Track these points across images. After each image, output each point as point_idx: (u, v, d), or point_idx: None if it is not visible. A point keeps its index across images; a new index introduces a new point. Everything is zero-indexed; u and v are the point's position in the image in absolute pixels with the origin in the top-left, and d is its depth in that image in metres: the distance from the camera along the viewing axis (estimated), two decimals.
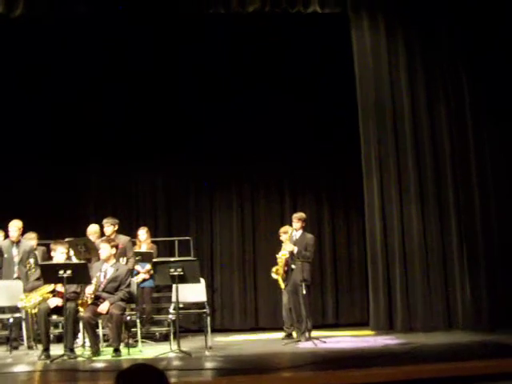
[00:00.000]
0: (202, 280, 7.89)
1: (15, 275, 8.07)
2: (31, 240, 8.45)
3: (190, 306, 8.19)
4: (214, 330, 8.81)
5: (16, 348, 7.63)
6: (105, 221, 8.42)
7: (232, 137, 10.27)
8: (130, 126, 10.22)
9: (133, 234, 8.89)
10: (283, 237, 8.48)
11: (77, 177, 10.38)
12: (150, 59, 10.15)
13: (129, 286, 7.41)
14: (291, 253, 8.18)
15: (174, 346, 7.16)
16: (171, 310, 7.73)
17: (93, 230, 8.55)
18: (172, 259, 7.79)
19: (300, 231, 8.34)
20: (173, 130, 10.25)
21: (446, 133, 9.13)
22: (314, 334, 8.14)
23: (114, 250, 7.55)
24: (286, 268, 8.29)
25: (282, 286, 8.45)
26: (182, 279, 7.05)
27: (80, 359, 6.83)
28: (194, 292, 7.85)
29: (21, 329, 7.56)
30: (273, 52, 10.10)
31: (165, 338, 8.48)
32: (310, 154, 10.33)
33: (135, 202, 10.63)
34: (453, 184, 9.06)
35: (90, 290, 7.16)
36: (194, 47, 10.04)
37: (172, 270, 6.99)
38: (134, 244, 8.77)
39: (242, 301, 10.30)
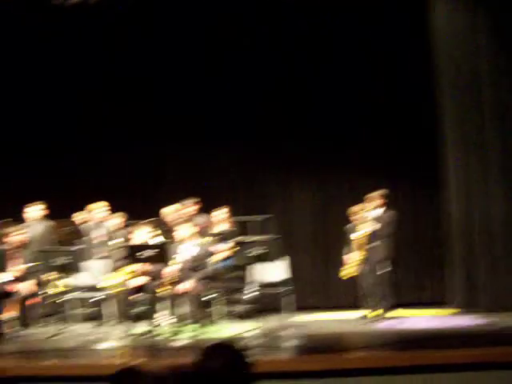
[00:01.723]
0: (285, 258, 7.91)
1: (99, 255, 8.31)
2: (116, 220, 8.64)
3: (268, 284, 8.23)
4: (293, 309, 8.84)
5: (100, 326, 7.88)
6: (186, 201, 8.53)
7: (308, 115, 10.21)
8: (206, 103, 10.28)
9: (209, 213, 8.95)
10: (357, 216, 8.40)
11: (154, 156, 10.53)
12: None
13: (208, 265, 7.52)
14: (371, 231, 8.10)
15: (253, 325, 7.23)
16: (250, 289, 7.79)
17: (171, 210, 8.67)
18: (255, 238, 7.83)
19: (381, 208, 8.24)
20: (250, 107, 10.24)
21: None
22: (393, 313, 8.07)
23: (195, 230, 7.65)
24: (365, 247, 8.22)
25: (347, 275, 8.41)
26: (265, 258, 7.08)
27: (160, 337, 7.00)
28: (273, 270, 7.88)
29: (105, 307, 7.80)
30: (347, 25, 9.96)
31: (243, 316, 8.56)
32: (385, 130, 10.16)
33: (212, 180, 10.67)
34: None
35: (170, 269, 7.31)
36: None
37: (254, 249, 7.02)
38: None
39: (320, 279, 10.27)
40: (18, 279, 7.48)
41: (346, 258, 8.46)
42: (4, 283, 7.37)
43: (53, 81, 10.08)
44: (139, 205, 10.13)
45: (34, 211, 8.38)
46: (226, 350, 2.79)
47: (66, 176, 10.26)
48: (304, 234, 10.45)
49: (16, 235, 7.70)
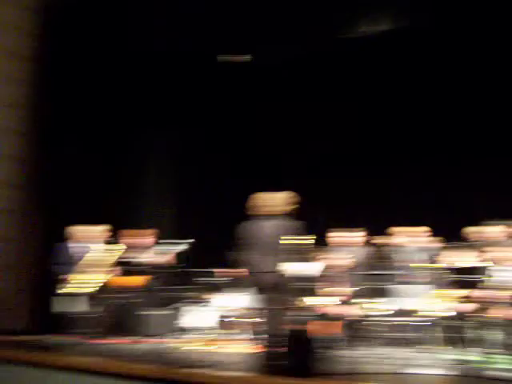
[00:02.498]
0: None
1: (415, 279, 8.17)
2: (434, 244, 8.45)
3: None
4: None
5: (424, 351, 7.68)
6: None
7: None
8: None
9: None
10: None
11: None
12: None
13: None
14: None
15: None
16: None
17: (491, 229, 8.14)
18: None
19: None
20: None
21: None
22: None
23: None
24: None
25: None
26: None
27: (490, 366, 6.55)
28: None
29: (427, 332, 7.63)
30: None
31: None
32: None
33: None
34: None
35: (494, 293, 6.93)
36: None
37: None
38: None
39: None
40: (344, 302, 7.80)
41: None
42: (330, 306, 7.73)
43: None
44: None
45: (358, 236, 8.68)
46: None
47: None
48: None
49: (342, 259, 8.10)
